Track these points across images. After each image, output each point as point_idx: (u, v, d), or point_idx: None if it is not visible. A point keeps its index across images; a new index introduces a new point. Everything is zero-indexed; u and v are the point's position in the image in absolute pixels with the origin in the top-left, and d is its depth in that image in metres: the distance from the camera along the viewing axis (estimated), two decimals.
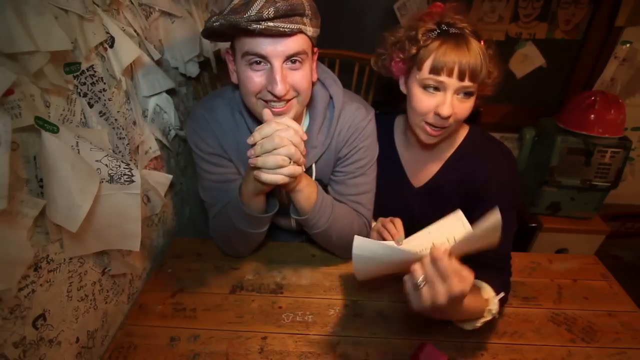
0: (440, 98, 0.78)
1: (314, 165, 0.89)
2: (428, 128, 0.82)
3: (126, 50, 0.78)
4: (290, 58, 0.70)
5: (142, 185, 0.71)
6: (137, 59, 0.84)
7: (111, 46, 0.75)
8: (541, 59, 1.80)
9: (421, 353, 0.70)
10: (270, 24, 0.64)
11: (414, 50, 0.80)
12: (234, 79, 0.79)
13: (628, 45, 1.69)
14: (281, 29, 0.65)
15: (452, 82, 0.76)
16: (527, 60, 1.80)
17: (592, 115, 1.53)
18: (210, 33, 0.71)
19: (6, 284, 0.52)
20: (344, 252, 0.96)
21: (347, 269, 0.95)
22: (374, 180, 0.94)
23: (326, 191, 0.94)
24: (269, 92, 0.71)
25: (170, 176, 1.01)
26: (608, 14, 1.65)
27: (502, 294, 0.76)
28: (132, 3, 0.86)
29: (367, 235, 0.96)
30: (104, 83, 0.74)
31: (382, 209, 1.00)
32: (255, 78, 0.71)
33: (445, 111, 0.77)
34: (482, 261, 0.74)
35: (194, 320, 0.81)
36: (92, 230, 0.67)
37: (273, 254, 1.00)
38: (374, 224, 0.96)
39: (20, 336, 0.56)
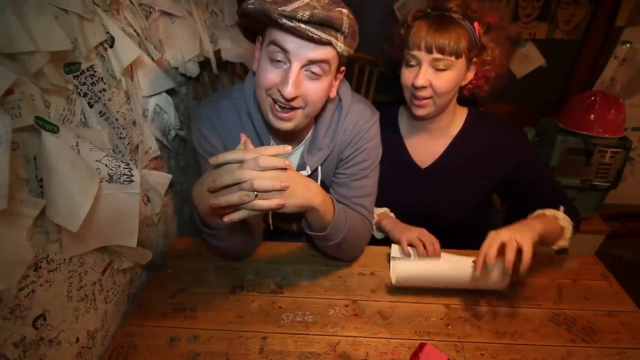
0: (417, 71, 0.87)
1: (319, 168, 0.88)
2: (414, 100, 0.91)
3: (126, 50, 0.78)
4: (311, 66, 0.69)
5: (142, 185, 0.72)
6: (137, 59, 0.84)
7: (111, 46, 0.75)
8: (541, 59, 1.80)
9: (421, 353, 0.70)
10: (302, 25, 0.64)
11: (402, 31, 0.91)
12: (255, 66, 0.78)
13: (628, 45, 1.69)
14: (310, 33, 0.64)
15: (422, 55, 0.85)
16: (527, 60, 1.80)
17: (592, 115, 1.53)
18: (243, 14, 0.70)
19: (6, 284, 0.52)
20: (348, 258, 0.96)
21: (347, 269, 0.95)
22: (376, 183, 0.94)
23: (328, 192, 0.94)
24: (278, 91, 0.70)
25: (170, 176, 1.01)
26: (608, 14, 1.65)
27: (562, 208, 0.90)
28: (132, 3, 0.86)
29: (370, 238, 0.97)
30: (104, 83, 0.74)
31: (391, 196, 1.03)
32: (270, 74, 0.70)
33: (418, 82, 0.86)
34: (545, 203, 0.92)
35: (194, 320, 0.81)
36: (92, 229, 0.67)
37: (273, 254, 1.00)
38: (407, 234, 0.91)
39: (20, 336, 0.56)
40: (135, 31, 0.86)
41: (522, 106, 1.89)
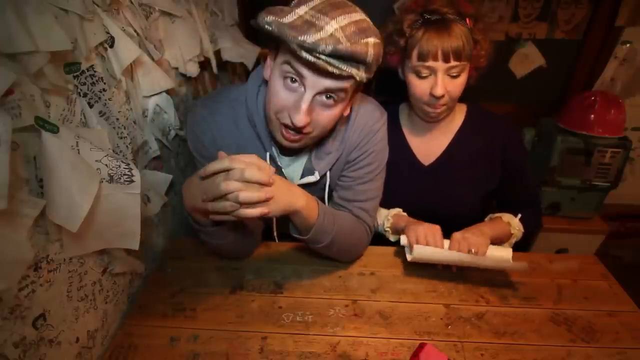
0: (433, 80, 0.87)
1: (328, 172, 0.86)
2: (429, 108, 0.92)
3: (126, 50, 0.78)
4: (326, 93, 0.66)
5: (142, 185, 0.71)
6: (137, 59, 0.84)
7: (111, 46, 0.75)
8: (541, 59, 1.80)
9: (421, 353, 0.70)
10: (323, 58, 0.59)
11: (402, 43, 0.89)
12: (266, 74, 0.73)
13: (628, 45, 1.69)
14: (330, 68, 0.60)
15: (439, 65, 0.85)
16: (527, 60, 1.80)
17: (592, 115, 1.53)
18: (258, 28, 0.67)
19: (6, 284, 0.52)
20: (343, 259, 0.95)
21: (347, 269, 0.95)
22: (381, 187, 0.92)
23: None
24: (289, 116, 0.67)
25: (170, 176, 1.01)
26: (608, 14, 1.65)
27: (519, 215, 0.98)
28: (132, 3, 0.86)
29: (368, 242, 0.96)
30: (104, 83, 0.74)
31: (394, 194, 1.03)
32: (282, 96, 0.67)
33: (437, 92, 0.86)
34: (512, 203, 1.04)
35: (194, 320, 0.81)
36: (92, 230, 0.67)
37: (273, 254, 1.00)
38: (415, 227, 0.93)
39: (20, 336, 0.56)
40: (135, 31, 0.85)
41: (522, 106, 1.89)
